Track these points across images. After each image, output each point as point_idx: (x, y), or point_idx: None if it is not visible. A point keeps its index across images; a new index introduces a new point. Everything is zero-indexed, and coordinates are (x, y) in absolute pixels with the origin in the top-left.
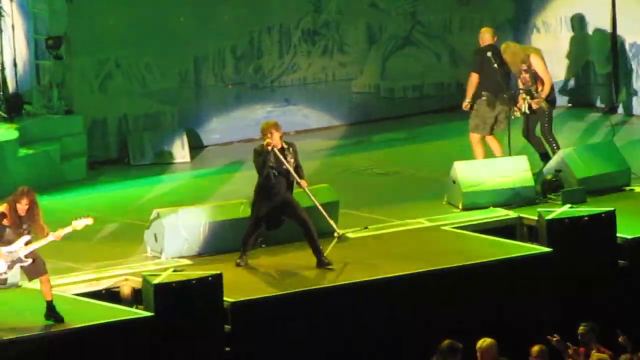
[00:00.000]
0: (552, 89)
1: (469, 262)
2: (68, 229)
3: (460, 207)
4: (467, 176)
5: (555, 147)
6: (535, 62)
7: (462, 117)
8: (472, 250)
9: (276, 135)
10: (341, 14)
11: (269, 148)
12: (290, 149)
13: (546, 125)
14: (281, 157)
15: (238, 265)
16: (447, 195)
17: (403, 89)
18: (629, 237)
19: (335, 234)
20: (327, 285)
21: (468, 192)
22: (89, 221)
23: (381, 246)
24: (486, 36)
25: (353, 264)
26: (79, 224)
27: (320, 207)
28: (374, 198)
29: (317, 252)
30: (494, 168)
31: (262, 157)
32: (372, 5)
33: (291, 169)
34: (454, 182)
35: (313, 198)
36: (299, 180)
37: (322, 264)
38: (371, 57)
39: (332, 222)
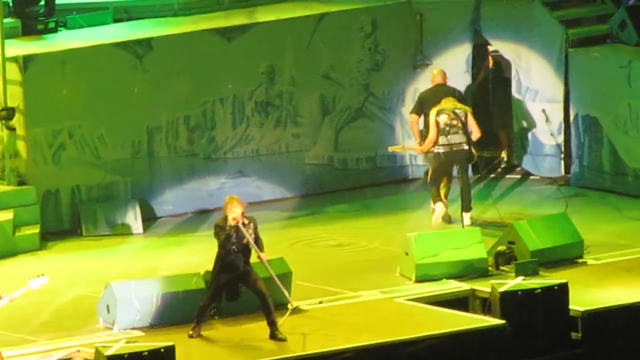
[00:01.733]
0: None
1: (421, 334)
2: (23, 289)
3: (413, 279)
4: (420, 248)
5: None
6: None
7: (415, 189)
8: (424, 322)
9: (239, 211)
10: (294, 86)
11: (234, 224)
12: (251, 224)
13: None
14: (244, 232)
15: (191, 336)
16: (400, 267)
17: (356, 161)
18: (582, 309)
19: (289, 306)
20: (281, 357)
21: (421, 264)
22: (45, 280)
23: (334, 317)
24: (438, 78)
25: (306, 335)
26: (34, 282)
27: (276, 279)
28: (327, 269)
29: (272, 325)
30: (448, 240)
31: (225, 232)
32: (325, 77)
33: (252, 243)
34: (407, 253)
35: (270, 270)
36: (259, 253)
37: (275, 336)
38: (324, 129)
39: (286, 293)
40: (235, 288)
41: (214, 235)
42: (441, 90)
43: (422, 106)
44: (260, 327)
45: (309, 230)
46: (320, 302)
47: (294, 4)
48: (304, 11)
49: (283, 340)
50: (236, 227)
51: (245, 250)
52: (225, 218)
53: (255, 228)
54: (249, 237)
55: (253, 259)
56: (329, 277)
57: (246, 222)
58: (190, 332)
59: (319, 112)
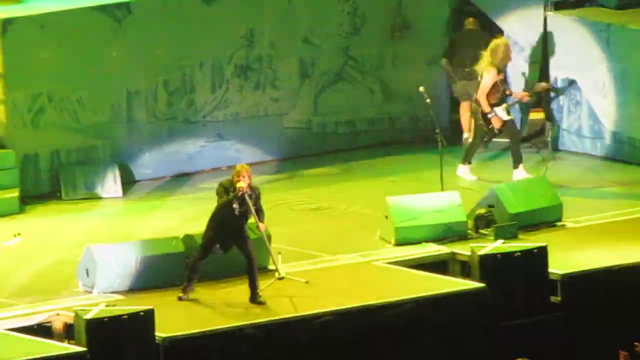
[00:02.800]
0: None
1: (401, 298)
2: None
3: (393, 242)
4: (399, 211)
5: None
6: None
7: (395, 153)
8: (404, 285)
9: (247, 181)
10: (274, 49)
11: (240, 193)
12: (253, 194)
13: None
14: (248, 201)
15: (181, 298)
16: (379, 231)
17: (335, 124)
18: (561, 272)
19: (277, 275)
20: (262, 321)
21: (401, 227)
22: (20, 239)
23: (314, 281)
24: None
25: (287, 298)
26: (11, 242)
27: (270, 250)
28: (306, 233)
29: (253, 288)
30: (427, 203)
31: (227, 197)
32: (305, 41)
33: (254, 213)
34: (387, 217)
35: (266, 241)
36: (258, 223)
37: (255, 299)
38: (304, 93)
39: (278, 263)
40: (228, 241)
41: (216, 192)
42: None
43: None
44: (240, 291)
45: (288, 194)
46: (307, 282)
47: None
48: None
49: (262, 303)
50: (241, 196)
51: (243, 216)
52: (231, 181)
53: (258, 198)
54: (251, 207)
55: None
56: (308, 241)
57: (249, 192)
58: (181, 295)
59: (298, 75)
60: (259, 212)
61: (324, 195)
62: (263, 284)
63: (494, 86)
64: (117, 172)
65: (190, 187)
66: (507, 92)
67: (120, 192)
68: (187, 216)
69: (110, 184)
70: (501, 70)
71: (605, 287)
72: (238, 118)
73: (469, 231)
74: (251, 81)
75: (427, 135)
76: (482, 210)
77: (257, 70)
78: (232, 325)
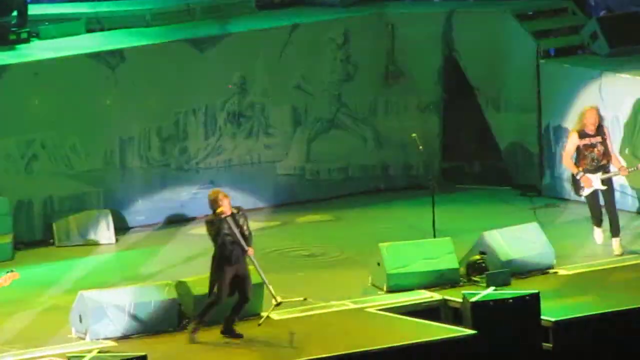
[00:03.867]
0: None
1: (393, 345)
2: None
3: (385, 289)
4: (392, 258)
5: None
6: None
7: (387, 199)
8: (396, 332)
9: (226, 202)
10: (266, 96)
11: (222, 216)
12: (240, 212)
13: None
14: (233, 224)
15: (192, 338)
16: (371, 277)
17: (328, 171)
18: (553, 319)
19: (274, 302)
20: None
21: (393, 273)
22: (16, 275)
23: (306, 327)
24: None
25: (278, 345)
26: (5, 279)
27: (262, 275)
28: (299, 279)
29: (231, 322)
30: (419, 250)
31: (215, 226)
32: (297, 88)
33: (239, 237)
34: (379, 264)
35: (257, 265)
36: (245, 248)
37: (232, 331)
38: (296, 139)
39: (271, 289)
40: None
41: (207, 232)
42: None
43: None
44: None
45: (281, 241)
46: (305, 299)
47: (266, 14)
48: (276, 22)
49: (239, 336)
50: (224, 220)
51: (237, 244)
52: (214, 213)
53: (246, 219)
54: (235, 229)
55: None
56: (301, 287)
57: (235, 211)
58: (191, 332)
59: (291, 122)
60: (247, 235)
61: (317, 242)
62: (264, 313)
63: (579, 151)
64: (110, 219)
65: (183, 234)
66: (603, 162)
67: (113, 239)
68: (180, 262)
69: (103, 231)
70: (584, 135)
71: (597, 334)
72: (231, 165)
73: (461, 278)
74: (244, 128)
75: (420, 182)
76: (474, 257)
77: (250, 117)
78: None
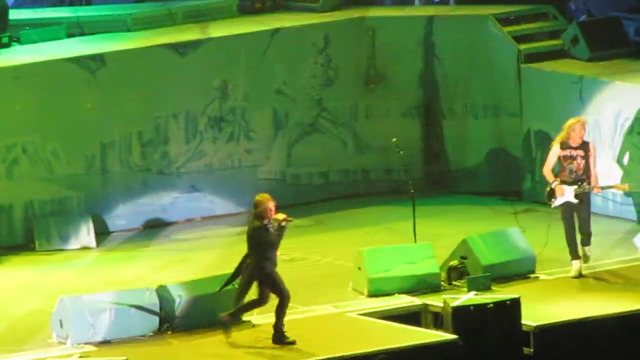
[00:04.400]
0: None
1: (374, 349)
2: None
3: (366, 293)
4: (372, 263)
5: None
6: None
7: (368, 204)
8: (377, 337)
9: (273, 206)
10: (247, 101)
11: (284, 224)
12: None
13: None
14: (283, 231)
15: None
16: (352, 282)
17: (309, 176)
18: (534, 324)
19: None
20: None
21: (373, 278)
22: None
23: (287, 332)
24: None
25: (260, 350)
26: None
27: None
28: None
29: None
30: (400, 254)
31: (275, 232)
32: (278, 92)
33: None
34: (360, 268)
35: None
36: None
37: (283, 338)
38: (277, 144)
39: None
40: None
41: (258, 237)
42: None
43: None
44: (213, 342)
45: None
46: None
47: (247, 19)
48: (257, 26)
49: (292, 343)
50: (284, 227)
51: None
52: (263, 218)
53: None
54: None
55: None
56: None
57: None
58: (227, 324)
59: (272, 127)
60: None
61: (298, 247)
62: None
63: (559, 162)
64: (91, 224)
65: (164, 238)
66: (582, 177)
67: (94, 243)
68: (161, 267)
69: (84, 235)
70: (566, 146)
71: (577, 339)
72: (212, 169)
73: (442, 283)
74: (225, 133)
75: (400, 187)
76: (454, 262)
77: (231, 122)
78: None
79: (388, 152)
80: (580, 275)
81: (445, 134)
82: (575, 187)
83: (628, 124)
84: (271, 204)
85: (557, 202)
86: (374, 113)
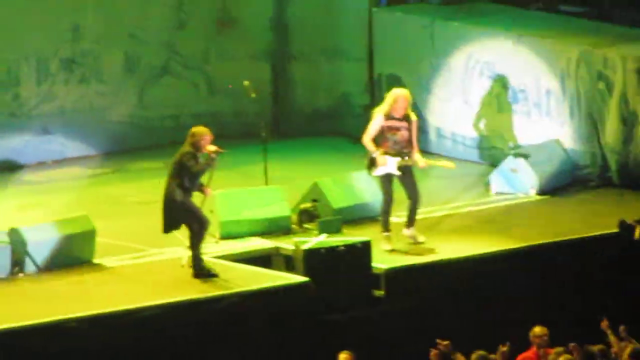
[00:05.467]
0: None
1: (225, 292)
2: None
3: (218, 236)
4: (224, 206)
5: None
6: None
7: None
8: (229, 279)
9: (209, 139)
10: (99, 44)
11: (214, 156)
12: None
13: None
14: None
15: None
16: None
17: (160, 119)
18: (385, 267)
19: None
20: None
21: (225, 221)
22: None
23: (139, 275)
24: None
25: (111, 292)
26: None
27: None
28: (131, 227)
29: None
30: (251, 198)
31: (204, 163)
32: (130, 35)
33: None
34: (212, 211)
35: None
36: (205, 188)
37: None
38: (129, 87)
39: None
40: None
41: (185, 161)
42: None
43: None
44: (66, 283)
45: (113, 188)
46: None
47: None
48: None
49: (215, 275)
50: (214, 158)
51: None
52: (196, 147)
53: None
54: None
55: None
56: (134, 235)
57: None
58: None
59: (123, 69)
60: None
61: (149, 189)
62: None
63: (382, 132)
64: None
65: (16, 182)
66: (406, 150)
67: None
68: (12, 210)
69: None
70: (390, 117)
71: (428, 281)
72: (64, 112)
73: (293, 226)
74: (76, 75)
75: (252, 130)
76: (305, 205)
77: (83, 64)
78: (53, 319)
79: (239, 96)
80: (416, 242)
81: (295, 78)
82: (399, 159)
83: (478, 67)
84: (208, 137)
85: (378, 172)
86: (226, 56)
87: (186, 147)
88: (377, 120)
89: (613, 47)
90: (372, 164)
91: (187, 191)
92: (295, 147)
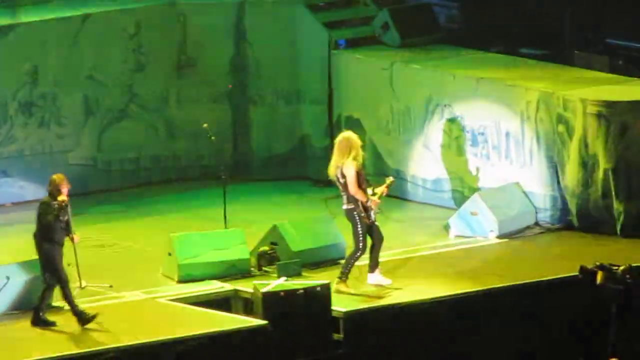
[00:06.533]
0: None
1: (184, 335)
2: None
3: (176, 279)
4: (183, 248)
5: None
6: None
7: (179, 190)
8: (187, 322)
9: (66, 191)
10: (58, 86)
11: (63, 204)
12: (68, 204)
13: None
14: (69, 211)
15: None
16: (163, 267)
17: (120, 162)
18: (344, 310)
19: (80, 285)
20: (44, 357)
21: (183, 264)
22: None
23: (97, 317)
24: None
25: (69, 335)
26: None
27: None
28: (90, 269)
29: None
30: (210, 240)
31: (54, 211)
32: (89, 77)
33: (70, 223)
34: (170, 254)
35: (76, 254)
36: (73, 235)
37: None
38: (88, 130)
39: (79, 275)
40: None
41: (42, 213)
42: None
43: None
44: (22, 328)
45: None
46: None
47: (58, 4)
48: (68, 12)
49: (53, 324)
50: (65, 207)
51: (66, 230)
52: (52, 196)
53: (70, 208)
54: (70, 216)
55: None
56: (92, 278)
57: (67, 200)
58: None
59: (83, 112)
60: (69, 224)
61: (108, 232)
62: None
63: (358, 177)
64: None
65: None
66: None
67: None
68: None
69: None
70: (358, 164)
71: (386, 324)
72: (23, 155)
73: (252, 268)
74: (36, 118)
75: (211, 173)
76: (265, 248)
77: (42, 107)
78: None
79: (199, 138)
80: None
81: (254, 120)
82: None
83: (438, 110)
84: (63, 186)
85: (373, 214)
86: (185, 99)
87: (44, 198)
88: (353, 168)
89: (573, 90)
90: (367, 212)
91: (52, 244)
92: (255, 190)
